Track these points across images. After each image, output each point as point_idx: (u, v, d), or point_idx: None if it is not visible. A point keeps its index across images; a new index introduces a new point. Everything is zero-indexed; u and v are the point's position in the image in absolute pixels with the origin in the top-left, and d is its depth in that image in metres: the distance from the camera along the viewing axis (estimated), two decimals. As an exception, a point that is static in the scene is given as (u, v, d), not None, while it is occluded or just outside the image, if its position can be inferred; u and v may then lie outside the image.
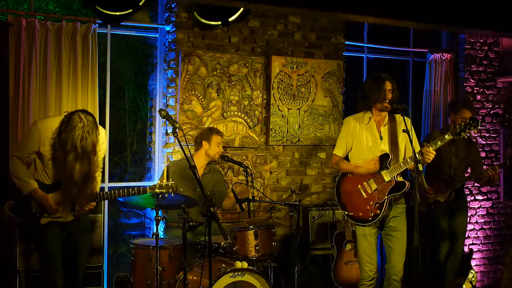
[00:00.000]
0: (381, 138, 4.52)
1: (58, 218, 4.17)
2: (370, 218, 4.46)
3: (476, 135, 6.91)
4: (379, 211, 4.44)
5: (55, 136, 4.00)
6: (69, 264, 4.28)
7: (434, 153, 4.32)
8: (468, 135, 4.75)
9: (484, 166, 5.70)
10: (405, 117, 4.28)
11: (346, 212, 4.57)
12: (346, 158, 4.67)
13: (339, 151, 4.66)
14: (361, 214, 4.49)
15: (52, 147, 4.01)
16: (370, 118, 4.54)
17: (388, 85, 4.44)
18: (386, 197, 4.43)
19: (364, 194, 4.49)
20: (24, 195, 4.11)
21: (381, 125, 4.55)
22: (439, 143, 4.35)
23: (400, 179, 4.45)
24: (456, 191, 5.58)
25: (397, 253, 4.50)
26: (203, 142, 5.11)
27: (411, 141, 4.21)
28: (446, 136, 4.37)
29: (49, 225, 4.16)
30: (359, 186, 4.52)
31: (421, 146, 4.46)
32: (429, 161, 4.32)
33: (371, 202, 4.46)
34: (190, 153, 4.92)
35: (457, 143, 5.51)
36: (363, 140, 4.54)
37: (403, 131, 4.32)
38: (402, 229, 4.53)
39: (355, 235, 4.67)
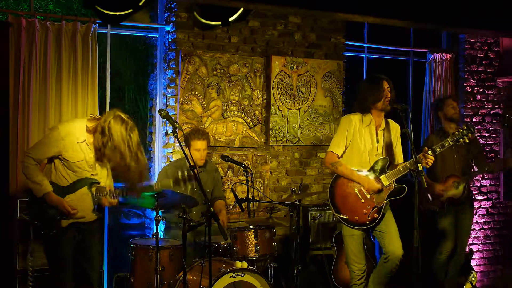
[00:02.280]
0: (377, 141, 4.51)
1: (81, 219, 4.05)
2: (368, 222, 4.44)
3: (476, 134, 6.91)
4: (377, 215, 4.42)
5: (100, 144, 3.91)
6: (83, 268, 4.18)
7: (433, 158, 4.35)
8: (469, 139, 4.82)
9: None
10: (405, 117, 4.29)
11: (340, 216, 4.50)
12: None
13: (337, 149, 4.53)
14: (357, 218, 4.46)
15: (101, 147, 3.91)
16: (371, 120, 4.51)
17: (386, 84, 4.44)
18: (385, 201, 4.42)
19: (361, 198, 4.45)
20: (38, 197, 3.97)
21: (378, 128, 4.54)
22: (438, 149, 4.45)
23: (399, 184, 4.45)
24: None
25: (389, 233, 4.46)
26: (185, 147, 5.03)
27: (410, 140, 4.21)
28: (446, 144, 4.50)
29: (69, 227, 4.03)
30: (357, 190, 4.47)
31: (420, 151, 4.48)
32: (428, 166, 4.33)
33: (369, 207, 4.44)
34: (190, 153, 4.92)
35: None
36: (362, 141, 4.50)
37: (404, 131, 4.33)
38: (388, 214, 4.51)
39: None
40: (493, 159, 6.95)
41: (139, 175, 4.01)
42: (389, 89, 4.44)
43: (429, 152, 4.33)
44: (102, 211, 4.27)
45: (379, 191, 4.43)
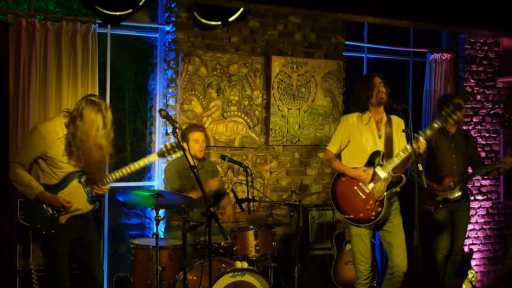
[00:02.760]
0: (379, 136, 4.53)
1: (78, 211, 4.09)
2: (373, 217, 4.44)
3: (476, 134, 6.91)
4: (380, 209, 4.43)
5: (71, 129, 3.97)
6: (84, 263, 4.22)
7: (425, 142, 4.31)
8: (462, 125, 4.74)
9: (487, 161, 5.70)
10: (405, 117, 4.28)
11: (345, 216, 4.54)
12: (339, 155, 4.66)
13: (333, 147, 4.64)
14: (362, 215, 4.47)
15: (71, 140, 3.97)
16: (370, 117, 4.54)
17: (378, 80, 4.48)
18: (385, 194, 4.43)
19: (362, 195, 4.47)
20: (33, 199, 4.01)
21: (380, 124, 4.55)
22: (428, 132, 4.36)
23: (397, 174, 4.45)
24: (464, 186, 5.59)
25: (397, 247, 4.48)
26: (184, 144, 5.05)
27: (410, 139, 4.21)
28: (435, 125, 4.38)
29: (68, 221, 4.07)
30: (355, 187, 4.49)
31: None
32: (422, 151, 4.28)
33: (371, 201, 4.45)
34: (190, 153, 4.92)
35: (456, 139, 5.51)
36: (363, 140, 4.52)
37: (403, 131, 4.34)
38: (398, 224, 4.52)
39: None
40: (493, 159, 6.96)
41: (107, 153, 4.08)
42: (381, 83, 4.47)
43: (420, 138, 4.29)
44: (99, 198, 4.31)
45: (373, 171, 4.44)
